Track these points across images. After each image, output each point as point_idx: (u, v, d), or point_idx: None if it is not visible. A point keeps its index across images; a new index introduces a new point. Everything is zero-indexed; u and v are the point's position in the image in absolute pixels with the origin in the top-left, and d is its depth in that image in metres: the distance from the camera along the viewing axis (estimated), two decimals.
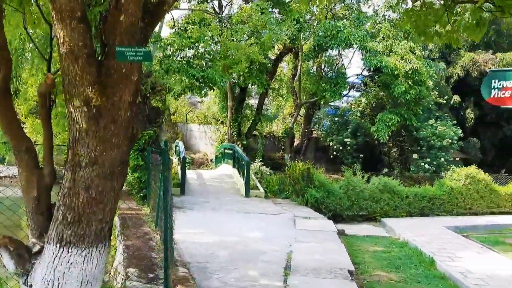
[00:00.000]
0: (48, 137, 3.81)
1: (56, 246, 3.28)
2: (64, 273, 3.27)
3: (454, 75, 24.89)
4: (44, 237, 3.45)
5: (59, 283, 3.27)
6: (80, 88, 3.16)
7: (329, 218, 13.06)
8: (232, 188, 15.47)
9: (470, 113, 24.89)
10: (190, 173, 17.38)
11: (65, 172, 3.36)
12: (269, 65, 21.88)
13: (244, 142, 22.33)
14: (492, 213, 15.34)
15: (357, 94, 27.89)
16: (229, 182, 16.15)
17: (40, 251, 3.42)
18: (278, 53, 23.53)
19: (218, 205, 12.59)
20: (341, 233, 10.79)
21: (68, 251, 3.28)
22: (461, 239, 11.25)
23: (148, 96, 11.09)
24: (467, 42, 25.51)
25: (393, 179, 15.66)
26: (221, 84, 12.84)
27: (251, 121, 23.35)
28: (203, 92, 13.56)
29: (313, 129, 26.58)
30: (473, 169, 15.66)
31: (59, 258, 3.27)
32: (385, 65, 20.20)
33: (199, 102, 27.03)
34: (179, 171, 14.86)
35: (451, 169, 18.34)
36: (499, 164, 25.84)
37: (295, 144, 25.49)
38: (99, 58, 3.32)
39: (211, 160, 23.55)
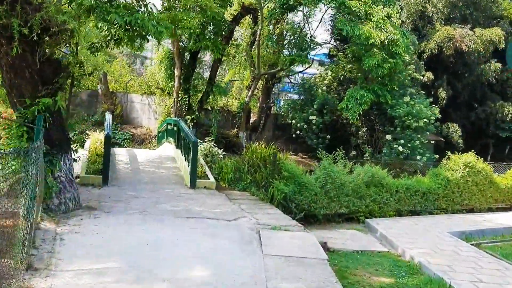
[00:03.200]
0: None
1: None
2: None
3: (427, 51, 21.86)
4: None
5: None
6: None
7: (301, 220, 9.50)
8: (174, 175, 11.47)
9: (442, 93, 22.04)
10: (122, 154, 13.15)
11: None
12: (225, 28, 17.72)
13: (193, 117, 18.24)
14: (490, 209, 12.39)
15: (319, 70, 24.33)
16: (171, 168, 12.11)
17: None
18: (235, 14, 19.39)
19: (151, 203, 8.63)
20: (324, 248, 7.23)
21: None
22: (484, 256, 8.02)
23: (38, 41, 6.79)
24: (442, 14, 22.52)
25: (363, 164, 12.36)
26: (157, 33, 8.58)
27: (202, 93, 19.23)
28: (135, 44, 9.23)
29: (272, 104, 22.84)
30: (471, 157, 12.55)
31: None
32: (358, 34, 16.59)
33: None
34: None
35: (430, 154, 15.33)
36: (466, 148, 23.39)
37: (252, 120, 21.66)
38: None
39: (154, 137, 19.31)
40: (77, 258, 5.34)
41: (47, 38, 6.86)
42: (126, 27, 8.50)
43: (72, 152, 7.66)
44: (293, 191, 9.87)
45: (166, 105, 19.83)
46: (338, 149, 14.14)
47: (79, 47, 8.95)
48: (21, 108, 6.78)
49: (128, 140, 19.13)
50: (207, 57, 25.91)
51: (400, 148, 17.57)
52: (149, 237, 6.42)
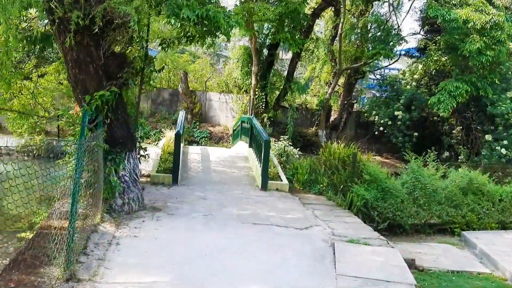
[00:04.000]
0: None
1: None
2: None
3: None
4: None
5: None
6: None
7: (384, 230, 8.32)
8: (246, 176, 10.83)
9: None
10: (195, 152, 12.83)
11: None
12: (304, 21, 16.79)
13: (270, 115, 17.57)
14: None
15: (408, 63, 22.25)
16: (243, 168, 11.50)
17: None
18: (315, 6, 18.34)
19: (217, 206, 8.03)
20: (412, 267, 6.05)
21: None
22: None
23: (102, 35, 6.50)
24: None
25: (459, 167, 10.67)
26: (228, 27, 7.94)
27: (279, 90, 18.48)
28: (207, 41, 8.71)
29: (354, 101, 21.35)
30: None
31: None
32: (455, 17, 14.62)
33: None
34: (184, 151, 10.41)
35: None
36: None
37: (332, 118, 20.44)
38: None
39: (231, 135, 18.98)
40: (127, 267, 4.83)
41: (111, 33, 6.50)
42: (197, 21, 8.02)
43: (137, 150, 7.29)
44: (376, 197, 8.67)
45: (243, 103, 19.40)
46: (428, 150, 12.51)
47: (148, 42, 8.65)
48: (85, 104, 6.52)
49: (206, 138, 19.01)
50: (286, 55, 25.16)
51: (503, 150, 15.25)
52: (208, 246, 5.76)
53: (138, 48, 7.84)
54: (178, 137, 9.54)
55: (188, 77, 20.58)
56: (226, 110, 20.56)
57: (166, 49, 8.42)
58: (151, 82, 8.81)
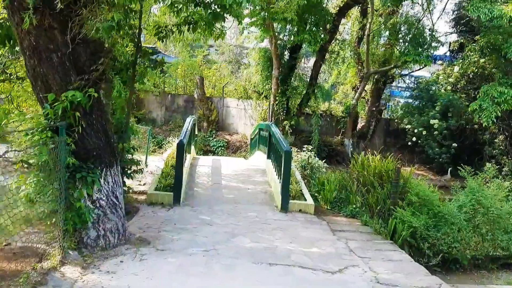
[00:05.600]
0: None
1: None
2: None
3: None
4: None
5: None
6: None
7: (436, 266, 6.29)
8: (262, 193, 8.92)
9: None
10: (206, 165, 10.97)
11: None
12: (329, 19, 14.87)
13: (292, 122, 15.66)
14: None
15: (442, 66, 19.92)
16: (259, 183, 9.58)
17: None
18: (341, 5, 16.41)
19: (225, 235, 6.18)
20: None
21: None
22: None
23: (67, 13, 4.73)
24: None
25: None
26: (238, 10, 6.15)
27: (302, 96, 16.57)
28: (214, 30, 6.92)
29: (383, 108, 19.24)
30: None
31: None
32: (500, 14, 12.48)
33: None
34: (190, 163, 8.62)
35: None
36: None
37: (359, 126, 18.37)
38: None
39: (249, 145, 17.15)
40: None
41: (80, 11, 4.76)
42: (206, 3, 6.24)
43: (118, 165, 5.50)
44: (426, 224, 6.64)
45: (262, 110, 17.55)
46: (467, 161, 10.35)
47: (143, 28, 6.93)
48: (48, 105, 4.80)
49: (223, 148, 17.24)
50: (309, 62, 23.26)
51: None
52: None
53: (125, 36, 6.09)
54: (181, 147, 7.72)
55: (204, 82, 18.89)
56: (244, 118, 18.74)
57: (163, 40, 6.66)
58: (146, 81, 7.03)
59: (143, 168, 7.17)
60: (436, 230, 6.64)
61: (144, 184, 9.20)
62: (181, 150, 7.71)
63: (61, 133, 4.58)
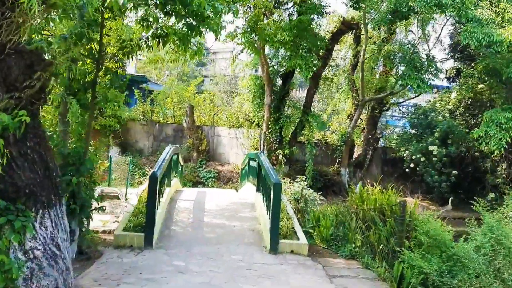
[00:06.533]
0: None
1: None
2: None
3: None
4: None
5: None
6: None
7: None
8: (250, 231, 7.74)
9: None
10: (188, 199, 9.77)
11: None
12: (322, 45, 14.09)
13: (286, 152, 14.65)
14: None
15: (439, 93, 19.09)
16: (247, 219, 8.41)
17: None
18: (334, 30, 15.76)
19: (201, 287, 4.99)
20: None
21: None
22: None
23: None
24: None
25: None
26: (216, 18, 5.23)
27: (295, 124, 15.64)
28: (190, 47, 5.95)
29: (380, 136, 18.31)
30: None
31: None
32: (499, 40, 11.74)
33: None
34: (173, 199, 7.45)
35: None
36: None
37: (356, 155, 17.38)
38: None
39: None
40: None
41: (9, 13, 3.79)
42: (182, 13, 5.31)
43: (63, 204, 4.40)
44: (440, 269, 5.50)
45: (254, 138, 16.57)
46: (483, 191, 9.28)
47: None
48: None
49: (213, 179, 16.12)
50: (303, 92, 22.51)
51: None
52: None
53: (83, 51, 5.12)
54: (154, 180, 6.62)
55: (194, 111, 17.97)
56: (236, 147, 17.71)
57: (128, 56, 5.70)
58: (112, 105, 5.99)
59: (105, 206, 6.04)
60: (451, 276, 5.48)
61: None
62: (154, 183, 6.60)
63: None
